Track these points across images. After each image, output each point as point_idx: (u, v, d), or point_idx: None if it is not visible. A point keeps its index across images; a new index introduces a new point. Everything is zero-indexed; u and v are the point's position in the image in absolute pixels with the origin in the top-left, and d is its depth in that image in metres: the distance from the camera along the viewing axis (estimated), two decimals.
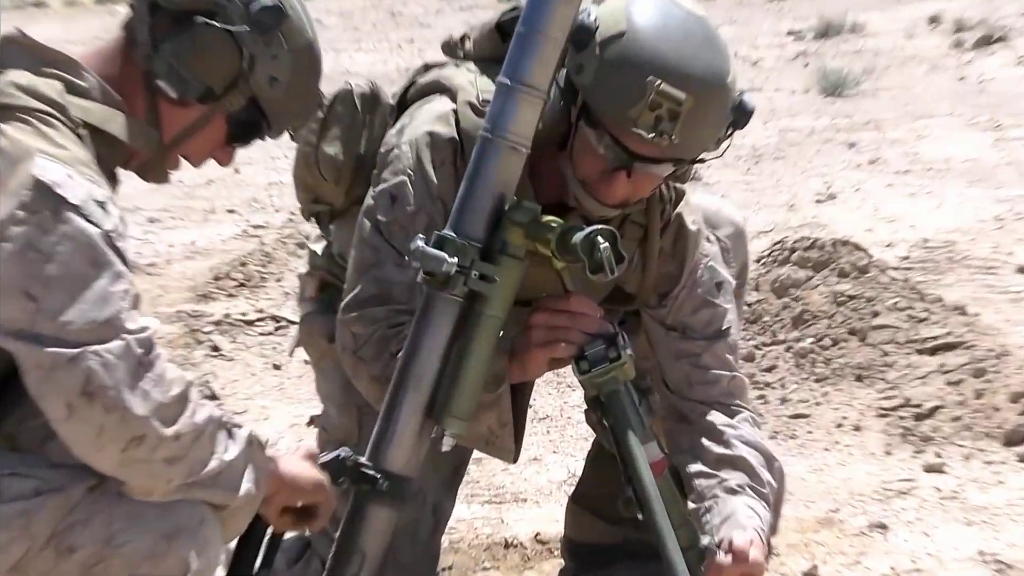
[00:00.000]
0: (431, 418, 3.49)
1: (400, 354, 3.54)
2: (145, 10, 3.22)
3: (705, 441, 4.07)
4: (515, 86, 3.42)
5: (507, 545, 5.18)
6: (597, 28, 3.67)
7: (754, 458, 4.04)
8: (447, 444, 3.49)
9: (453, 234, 3.40)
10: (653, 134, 3.58)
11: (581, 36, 3.66)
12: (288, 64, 3.33)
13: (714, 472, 4.00)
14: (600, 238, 3.34)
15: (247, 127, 3.40)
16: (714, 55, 3.70)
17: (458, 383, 3.46)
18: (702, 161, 3.91)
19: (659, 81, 3.55)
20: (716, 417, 4.12)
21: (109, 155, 3.14)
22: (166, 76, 3.21)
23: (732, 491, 3.95)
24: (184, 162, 3.45)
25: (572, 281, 3.72)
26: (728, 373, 4.20)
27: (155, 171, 3.38)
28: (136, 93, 3.24)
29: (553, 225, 3.40)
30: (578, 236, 3.35)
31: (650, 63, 3.59)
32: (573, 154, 3.79)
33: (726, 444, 4.04)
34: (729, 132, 3.83)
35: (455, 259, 3.33)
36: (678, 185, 4.17)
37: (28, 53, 3.15)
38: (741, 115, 3.79)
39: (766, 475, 4.04)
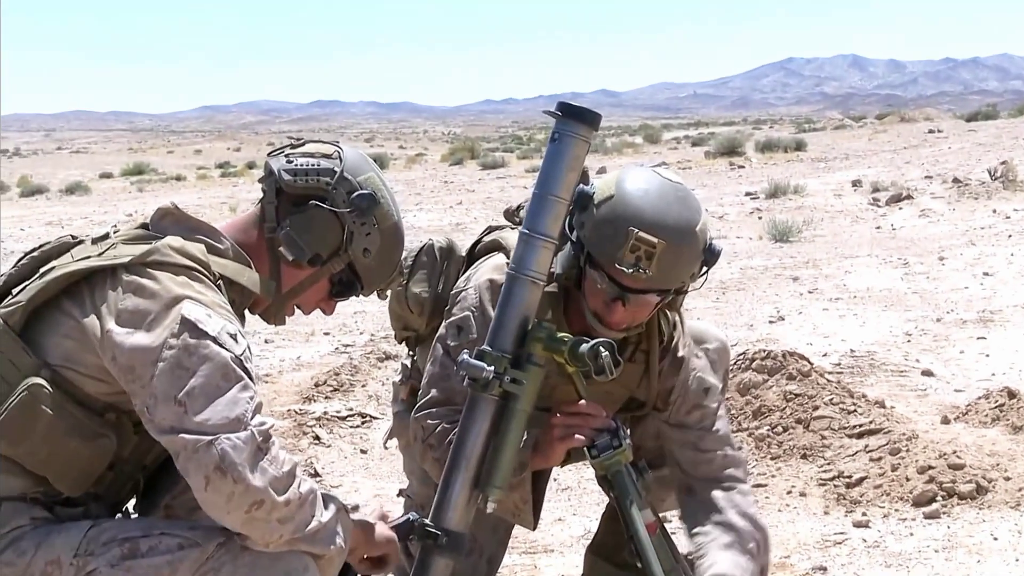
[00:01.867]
0: (477, 488, 3.58)
1: (453, 441, 3.63)
2: (273, 193, 3.34)
3: (705, 510, 4.16)
4: (533, 235, 3.55)
5: None
6: (594, 194, 3.79)
7: (742, 520, 4.14)
8: (490, 507, 3.58)
9: (490, 348, 3.53)
10: (633, 270, 3.68)
11: (583, 200, 3.79)
12: (378, 239, 3.42)
13: (709, 532, 4.10)
14: (602, 348, 3.50)
15: (345, 286, 3.48)
16: (684, 210, 3.79)
17: (498, 461, 3.56)
18: (684, 292, 3.96)
19: (637, 230, 3.67)
20: (716, 492, 4.18)
21: (240, 300, 3.26)
22: (286, 244, 3.31)
23: (723, 547, 4.05)
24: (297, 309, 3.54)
25: (588, 392, 3.82)
26: (721, 452, 4.25)
27: (274, 316, 3.47)
28: (263, 255, 3.35)
29: (566, 339, 3.56)
30: (584, 347, 3.53)
31: (632, 217, 3.71)
32: (585, 291, 3.88)
33: (721, 512, 4.13)
34: (704, 270, 3.90)
35: (492, 368, 3.47)
36: (676, 319, 4.24)
37: (180, 223, 3.28)
38: (711, 256, 3.87)
39: (750, 534, 4.12)
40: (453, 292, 4.18)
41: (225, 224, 3.41)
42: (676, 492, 4.33)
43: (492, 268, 4.07)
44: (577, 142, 3.56)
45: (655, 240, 3.68)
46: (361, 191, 3.36)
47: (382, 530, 3.45)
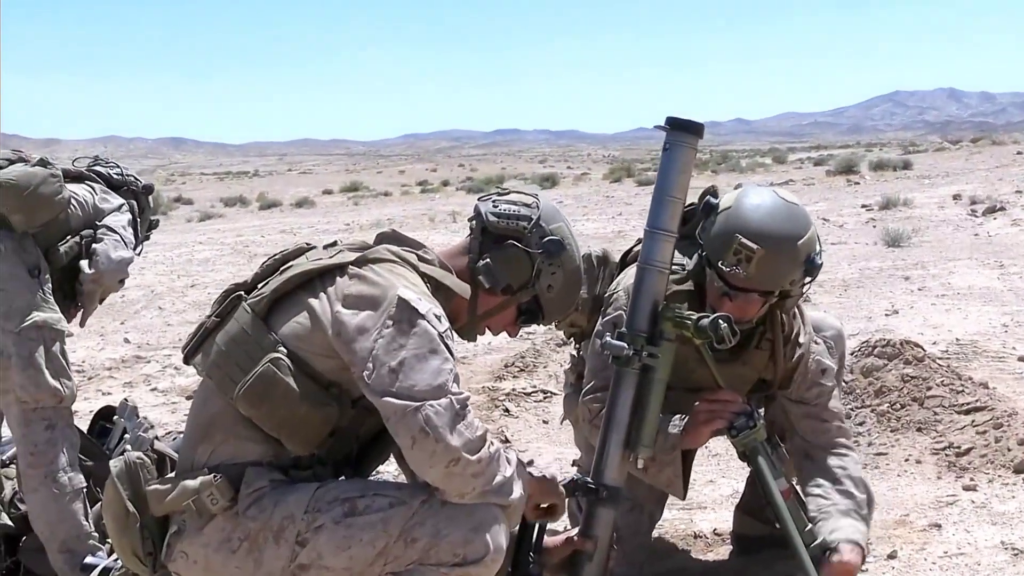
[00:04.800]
0: (628, 448, 3.62)
1: (607, 409, 3.68)
2: (479, 231, 3.44)
3: (823, 477, 4.16)
4: (654, 231, 3.58)
5: (695, 536, 5.17)
6: (718, 205, 3.89)
7: (856, 489, 4.12)
8: (640, 463, 3.66)
9: (627, 330, 3.58)
10: (732, 270, 3.75)
11: (708, 210, 3.91)
12: (561, 279, 3.49)
13: (828, 497, 4.09)
14: (721, 321, 3.51)
15: (529, 314, 3.55)
16: (789, 225, 3.81)
17: (643, 424, 3.60)
18: (788, 296, 3.95)
19: (740, 236, 3.73)
20: (832, 460, 4.18)
21: (443, 308, 3.26)
22: (484, 273, 3.41)
23: (843, 513, 4.03)
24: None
25: (723, 379, 3.92)
26: (836, 424, 4.25)
27: (468, 333, 3.54)
28: (465, 280, 3.41)
29: (691, 316, 3.55)
30: (705, 321, 3.53)
31: (739, 225, 3.77)
32: (707, 288, 3.96)
33: (837, 480, 4.12)
34: (807, 279, 3.91)
35: (631, 346, 3.52)
36: (795, 311, 4.20)
37: (396, 240, 3.41)
38: (811, 267, 3.86)
39: (863, 500, 4.12)
40: (607, 295, 4.26)
41: (437, 250, 3.48)
42: (795, 459, 4.32)
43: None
44: (685, 149, 3.58)
45: (755, 247, 3.72)
46: (552, 237, 3.44)
47: (553, 482, 3.52)
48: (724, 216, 3.85)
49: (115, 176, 5.37)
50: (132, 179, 5.44)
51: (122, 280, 5.09)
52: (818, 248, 3.92)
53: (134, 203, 5.34)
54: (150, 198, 5.56)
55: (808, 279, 3.92)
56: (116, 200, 5.21)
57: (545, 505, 3.53)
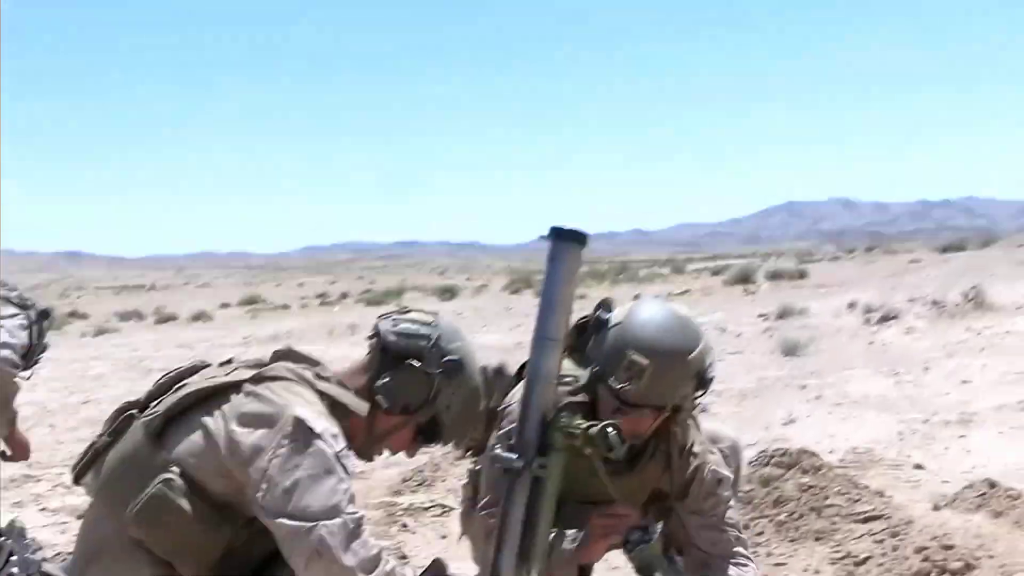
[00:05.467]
0: (521, 562, 3.49)
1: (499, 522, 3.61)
2: (378, 350, 3.42)
3: None
4: (541, 340, 3.43)
5: None
6: (609, 319, 3.89)
7: None
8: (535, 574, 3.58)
9: (516, 442, 3.44)
10: (623, 386, 3.77)
11: (599, 325, 3.92)
12: (460, 399, 3.48)
13: None
14: (608, 429, 3.37)
15: (428, 434, 3.51)
16: (680, 339, 3.84)
17: (535, 538, 3.47)
18: (679, 410, 3.97)
19: (632, 352, 3.75)
20: (731, 570, 4.15)
21: (339, 426, 3.24)
22: (383, 392, 3.38)
23: None
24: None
25: (617, 490, 3.81)
26: (734, 534, 4.22)
27: (366, 452, 3.48)
28: (364, 399, 3.39)
29: (580, 426, 3.43)
30: (594, 430, 3.39)
31: (630, 340, 3.80)
32: (599, 403, 3.95)
33: None
34: (699, 392, 3.94)
35: (521, 459, 3.39)
36: (688, 424, 4.20)
37: (292, 357, 3.37)
38: (703, 382, 3.90)
39: None
40: (500, 408, 4.20)
41: (335, 369, 3.46)
42: (692, 572, 4.31)
43: None
44: (570, 259, 3.49)
45: (645, 361, 3.74)
46: (452, 357, 3.43)
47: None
48: (615, 331, 3.88)
49: (14, 298, 5.36)
50: (30, 303, 5.44)
51: (15, 367, 5.03)
52: (709, 361, 3.96)
53: (32, 314, 5.33)
54: (44, 323, 5.55)
55: (700, 392, 3.96)
56: (12, 309, 5.20)
57: None
